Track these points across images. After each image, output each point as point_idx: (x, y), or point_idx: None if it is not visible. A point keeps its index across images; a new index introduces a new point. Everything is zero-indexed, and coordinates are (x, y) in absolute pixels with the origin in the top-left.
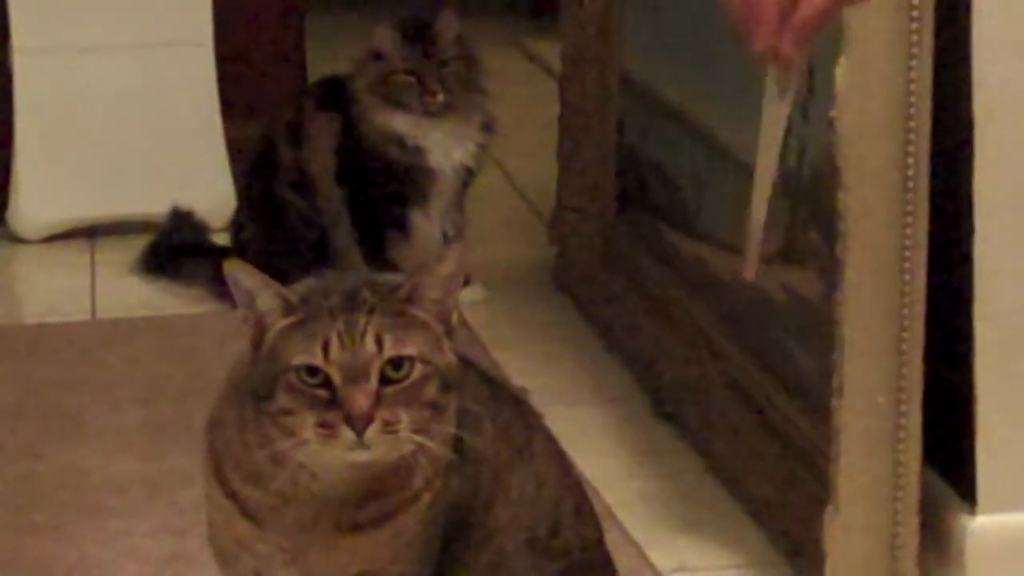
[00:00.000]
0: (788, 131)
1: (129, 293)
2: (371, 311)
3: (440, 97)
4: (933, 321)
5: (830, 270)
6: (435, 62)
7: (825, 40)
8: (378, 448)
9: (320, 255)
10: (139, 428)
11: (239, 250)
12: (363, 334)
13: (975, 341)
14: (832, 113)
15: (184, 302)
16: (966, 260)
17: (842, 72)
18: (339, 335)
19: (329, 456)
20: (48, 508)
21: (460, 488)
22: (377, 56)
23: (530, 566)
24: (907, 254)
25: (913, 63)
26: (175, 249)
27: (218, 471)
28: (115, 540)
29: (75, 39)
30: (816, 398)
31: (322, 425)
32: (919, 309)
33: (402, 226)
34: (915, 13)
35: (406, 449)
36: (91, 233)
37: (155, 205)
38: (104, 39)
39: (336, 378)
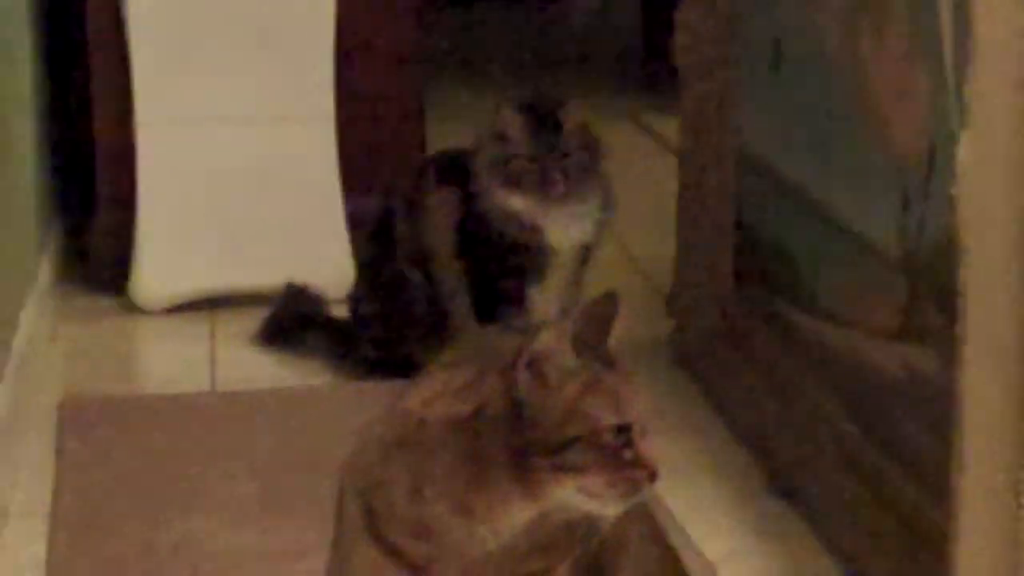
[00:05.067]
0: (907, 206)
1: (248, 365)
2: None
3: (559, 188)
4: None
5: (950, 347)
6: (558, 153)
7: (946, 116)
8: None
9: (437, 328)
10: (256, 499)
11: (357, 323)
12: (641, 391)
13: None
14: (952, 190)
15: (303, 374)
16: None
17: (964, 148)
18: (634, 393)
19: (605, 508)
20: None
21: None
22: (500, 137)
23: None
24: None
25: None
26: (294, 321)
27: (376, 531)
28: None
29: (197, 112)
30: (936, 476)
31: (625, 482)
32: None
33: (520, 301)
34: None
35: None
36: (211, 305)
37: (275, 278)
38: (225, 112)
39: (635, 434)
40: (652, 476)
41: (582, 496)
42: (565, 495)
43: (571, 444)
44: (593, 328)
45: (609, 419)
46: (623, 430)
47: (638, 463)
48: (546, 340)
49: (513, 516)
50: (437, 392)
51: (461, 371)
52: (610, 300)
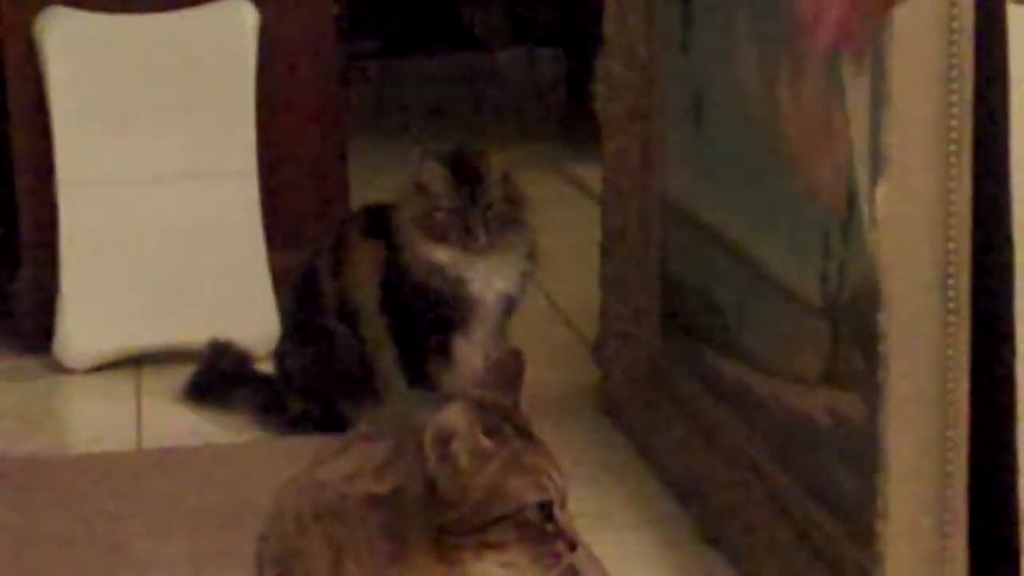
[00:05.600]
0: (828, 253)
1: (175, 422)
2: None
3: (483, 240)
4: (977, 442)
5: (873, 393)
6: (480, 205)
7: (865, 163)
8: None
9: (364, 382)
10: (186, 558)
11: (283, 378)
12: (557, 462)
13: (1019, 461)
14: (872, 236)
15: (230, 431)
16: (1009, 380)
17: (882, 194)
18: (552, 466)
19: None
20: None
21: None
22: (422, 188)
23: None
24: (949, 375)
25: (952, 184)
26: (219, 378)
27: None
28: None
29: (119, 171)
30: (861, 521)
31: (550, 555)
32: (962, 431)
33: (446, 352)
34: (953, 135)
35: None
36: (136, 363)
37: (200, 334)
38: (148, 170)
39: (556, 507)
40: (572, 547)
41: (504, 570)
42: (487, 569)
43: (494, 522)
44: (501, 389)
45: (532, 497)
46: (545, 505)
47: (559, 535)
48: (450, 419)
49: None
50: (356, 468)
51: (379, 446)
52: (514, 357)
